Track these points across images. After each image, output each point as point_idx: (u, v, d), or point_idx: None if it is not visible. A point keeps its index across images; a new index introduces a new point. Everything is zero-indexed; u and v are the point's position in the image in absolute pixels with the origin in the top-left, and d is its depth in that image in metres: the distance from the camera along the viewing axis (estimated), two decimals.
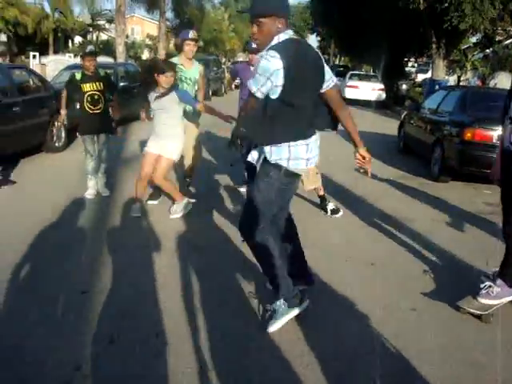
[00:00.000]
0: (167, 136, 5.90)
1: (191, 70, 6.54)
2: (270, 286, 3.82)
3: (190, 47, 6.45)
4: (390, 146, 12.49)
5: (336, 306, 4.06)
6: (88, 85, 6.68)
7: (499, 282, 3.91)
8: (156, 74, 5.69)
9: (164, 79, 5.67)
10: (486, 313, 3.87)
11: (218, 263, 4.81)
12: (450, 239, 5.75)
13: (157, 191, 6.60)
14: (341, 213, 6.44)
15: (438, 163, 8.81)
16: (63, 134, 10.26)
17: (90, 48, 7.03)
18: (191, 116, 6.53)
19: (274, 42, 3.35)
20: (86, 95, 6.69)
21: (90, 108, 6.71)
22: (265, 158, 3.49)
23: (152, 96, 5.85)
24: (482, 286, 3.97)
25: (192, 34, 6.49)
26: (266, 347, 3.42)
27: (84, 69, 6.71)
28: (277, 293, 3.63)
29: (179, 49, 6.82)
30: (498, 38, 23.69)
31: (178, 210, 6.09)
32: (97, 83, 6.73)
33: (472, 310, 3.92)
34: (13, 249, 4.92)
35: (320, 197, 6.54)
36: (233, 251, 5.08)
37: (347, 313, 3.94)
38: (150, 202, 6.58)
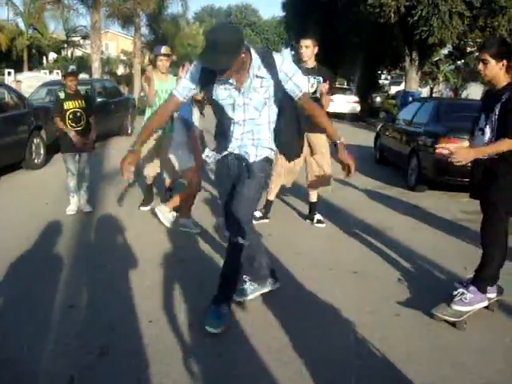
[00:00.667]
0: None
1: (167, 84, 6.63)
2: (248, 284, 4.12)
3: (162, 62, 6.71)
4: (367, 157, 12.67)
5: (322, 313, 4.14)
6: (70, 102, 6.74)
7: (472, 288, 4.01)
8: None
9: None
10: (460, 319, 3.94)
11: (202, 275, 4.86)
12: (429, 246, 5.88)
13: (149, 197, 7.11)
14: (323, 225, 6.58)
15: (415, 173, 8.99)
16: (42, 151, 10.27)
17: (71, 68, 7.12)
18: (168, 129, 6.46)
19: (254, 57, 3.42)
20: (68, 113, 6.73)
21: (71, 126, 6.74)
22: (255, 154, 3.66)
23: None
24: (455, 293, 4.06)
25: (164, 49, 6.76)
26: (254, 357, 3.48)
27: (66, 87, 6.77)
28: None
29: (153, 64, 6.98)
30: (469, 50, 24.16)
31: (168, 218, 6.04)
32: (78, 101, 6.80)
33: (446, 317, 3.99)
34: (0, 261, 4.94)
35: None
36: (218, 263, 5.14)
37: (333, 319, 4.02)
38: (141, 208, 7.05)
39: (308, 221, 6.68)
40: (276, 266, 5.05)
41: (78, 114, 6.78)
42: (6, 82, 23.65)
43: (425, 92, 28.21)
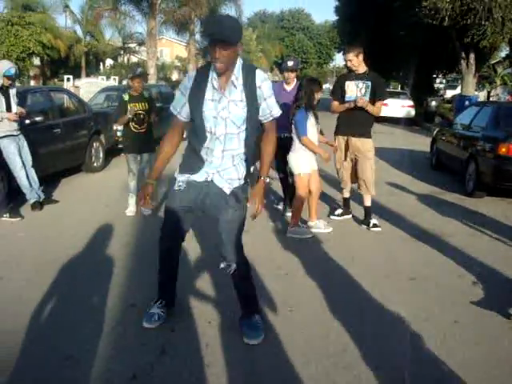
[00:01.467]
0: (292, 151, 6.17)
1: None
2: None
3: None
4: (423, 162, 12.49)
5: (378, 319, 4.11)
6: (134, 105, 6.93)
7: None
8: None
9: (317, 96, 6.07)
10: None
11: (261, 277, 4.90)
12: (488, 253, 5.76)
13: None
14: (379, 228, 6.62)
15: (473, 179, 8.81)
16: (101, 155, 10.54)
17: (139, 70, 7.31)
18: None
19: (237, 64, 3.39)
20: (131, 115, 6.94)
21: (135, 127, 6.97)
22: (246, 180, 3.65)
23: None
24: None
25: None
26: (313, 361, 3.49)
27: (132, 89, 7.01)
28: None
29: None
30: None
31: (298, 232, 6.15)
32: (142, 103, 7.00)
33: None
34: (61, 265, 5.12)
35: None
36: (270, 267, 5.19)
37: (389, 326, 3.99)
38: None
39: (364, 226, 6.64)
40: (331, 271, 5.07)
41: (142, 116, 6.98)
42: (67, 88, 24.41)
43: (481, 96, 27.57)
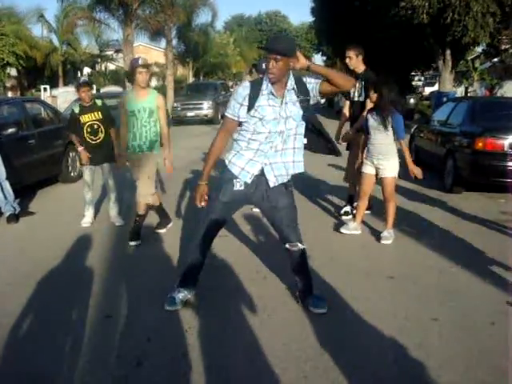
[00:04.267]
0: (386, 156, 6.04)
1: (145, 101, 6.00)
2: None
3: (142, 75, 5.90)
4: (401, 159, 12.49)
5: (358, 319, 4.08)
6: (86, 116, 6.72)
7: None
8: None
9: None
10: None
11: (238, 282, 4.86)
12: (468, 249, 5.76)
13: (163, 220, 6.59)
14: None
15: (451, 174, 8.83)
16: (78, 164, 10.41)
17: (83, 79, 7.17)
18: (149, 146, 6.07)
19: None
20: (85, 126, 6.73)
21: (90, 139, 6.76)
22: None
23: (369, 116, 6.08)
24: None
25: (142, 60, 6.03)
26: (291, 366, 3.45)
27: (81, 100, 6.79)
28: None
29: (131, 78, 6.16)
30: (503, 47, 23.72)
31: (389, 237, 6.05)
32: (94, 113, 6.75)
33: None
34: (34, 277, 5.03)
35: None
36: (249, 270, 5.14)
37: (369, 325, 3.96)
38: (157, 231, 6.52)
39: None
40: (312, 271, 5.03)
41: (96, 126, 6.75)
42: (43, 98, 24.21)
43: (459, 92, 27.75)
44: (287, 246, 4.17)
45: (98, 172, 6.97)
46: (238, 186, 3.99)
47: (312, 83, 3.93)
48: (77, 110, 6.78)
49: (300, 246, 4.17)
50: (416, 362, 3.44)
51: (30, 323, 4.13)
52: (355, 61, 6.70)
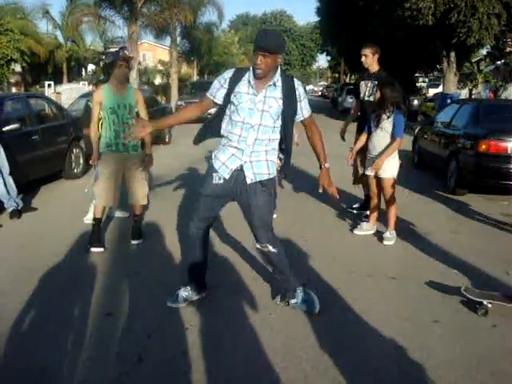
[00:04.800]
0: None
1: (126, 97, 5.74)
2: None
3: (122, 69, 5.59)
4: (404, 160, 12.49)
5: (359, 320, 4.08)
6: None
7: None
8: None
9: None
10: None
11: (240, 281, 4.86)
12: (470, 250, 5.75)
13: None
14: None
15: (454, 176, 8.82)
16: (81, 161, 10.44)
17: (103, 78, 7.16)
18: (134, 145, 5.82)
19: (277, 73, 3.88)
20: (100, 121, 6.74)
21: None
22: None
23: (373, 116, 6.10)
24: None
25: (123, 52, 5.73)
26: (292, 365, 3.45)
27: (90, 96, 6.88)
28: None
29: (107, 73, 5.81)
30: (508, 50, 23.66)
31: (391, 238, 6.05)
32: None
33: None
34: (36, 273, 5.04)
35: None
36: (252, 267, 5.15)
37: (371, 326, 3.96)
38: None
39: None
40: (312, 272, 5.03)
41: None
42: (47, 94, 24.26)
43: (463, 94, 27.70)
44: (257, 245, 4.15)
45: None
46: (217, 179, 3.98)
47: (301, 103, 3.95)
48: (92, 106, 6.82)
49: (270, 248, 4.06)
50: (416, 364, 3.44)
51: (31, 319, 4.13)
52: (371, 59, 6.72)
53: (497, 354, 3.59)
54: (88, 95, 16.32)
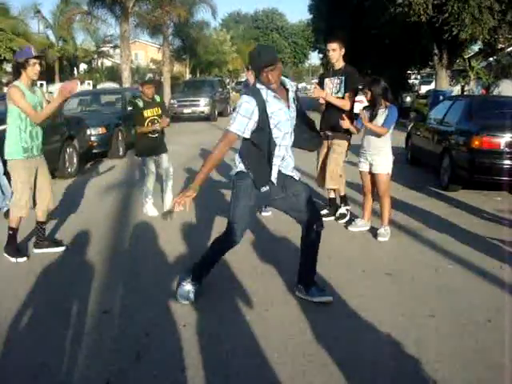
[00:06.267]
0: (380, 151, 6.05)
1: (38, 96, 5.47)
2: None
3: (35, 67, 5.30)
4: (398, 157, 12.50)
5: (355, 315, 4.11)
6: (149, 111, 6.99)
7: None
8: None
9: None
10: None
11: (236, 278, 4.88)
12: (464, 246, 5.78)
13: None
14: (347, 218, 6.72)
15: (447, 172, 8.86)
16: (75, 160, 10.43)
17: (149, 76, 7.34)
18: (42, 147, 5.61)
19: None
20: (147, 121, 6.97)
21: (149, 132, 6.99)
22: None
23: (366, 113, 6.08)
24: None
25: (35, 51, 5.42)
26: (289, 361, 3.47)
27: (144, 95, 7.01)
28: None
29: (18, 71, 5.33)
30: (499, 46, 23.74)
31: (385, 234, 6.07)
32: (155, 109, 7.05)
33: None
34: (34, 272, 5.06)
35: (341, 197, 6.96)
36: (246, 266, 5.16)
37: (365, 321, 3.99)
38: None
39: (340, 222, 6.68)
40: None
41: (156, 121, 7.01)
42: None
43: (456, 90, 27.77)
44: (315, 226, 4.29)
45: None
46: (264, 188, 4.07)
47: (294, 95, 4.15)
48: (141, 105, 6.99)
49: (323, 226, 4.37)
50: (413, 358, 3.46)
51: (29, 318, 4.14)
52: (338, 54, 6.40)
53: (492, 348, 3.61)
54: (80, 94, 16.34)
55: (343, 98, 6.37)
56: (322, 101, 6.42)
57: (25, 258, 5.50)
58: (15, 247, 5.60)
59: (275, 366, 3.37)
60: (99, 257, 5.56)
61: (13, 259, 5.45)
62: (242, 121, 3.87)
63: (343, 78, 6.39)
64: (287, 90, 4.06)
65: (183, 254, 5.58)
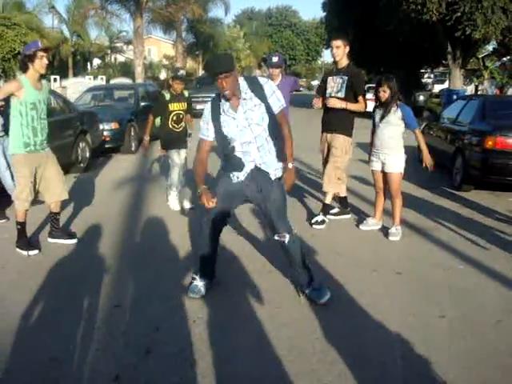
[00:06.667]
0: (393, 150, 6.04)
1: (43, 91, 5.46)
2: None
3: (43, 61, 5.26)
4: (409, 156, 12.46)
5: (364, 314, 4.10)
6: (175, 104, 7.07)
7: None
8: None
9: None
10: None
11: (244, 274, 4.89)
12: (475, 247, 5.76)
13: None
14: (323, 226, 6.46)
15: (460, 172, 8.82)
16: (88, 155, 10.48)
17: (181, 72, 7.39)
18: (47, 142, 5.68)
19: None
20: (172, 114, 7.05)
21: (173, 126, 7.09)
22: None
23: (377, 111, 6.11)
24: None
25: (43, 44, 5.43)
26: (299, 358, 3.48)
27: (172, 90, 7.08)
28: None
29: (26, 65, 5.28)
30: None
31: (397, 234, 6.06)
32: (182, 103, 7.14)
33: None
34: (45, 265, 5.10)
35: (340, 199, 6.94)
36: (256, 264, 5.17)
37: (375, 320, 3.99)
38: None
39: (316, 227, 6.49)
40: (318, 266, 5.05)
41: (181, 116, 7.14)
42: (52, 88, 24.25)
43: (469, 90, 27.62)
44: (276, 237, 4.26)
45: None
46: (236, 179, 4.20)
47: (271, 94, 4.10)
48: (167, 97, 7.07)
49: (287, 237, 4.21)
50: (422, 358, 3.45)
51: (40, 311, 4.17)
52: (343, 51, 6.26)
53: (501, 349, 3.60)
54: (93, 90, 16.42)
55: (343, 98, 6.24)
56: (318, 104, 6.52)
57: (36, 251, 5.54)
58: (26, 241, 5.64)
59: (284, 363, 3.38)
60: (111, 251, 5.59)
61: (25, 252, 5.49)
62: (203, 127, 4.20)
63: (346, 78, 6.26)
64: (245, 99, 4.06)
65: (195, 248, 5.59)
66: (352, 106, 6.29)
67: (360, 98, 6.34)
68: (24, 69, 5.33)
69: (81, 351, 3.55)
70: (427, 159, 6.07)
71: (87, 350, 3.56)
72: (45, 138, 5.56)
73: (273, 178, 4.19)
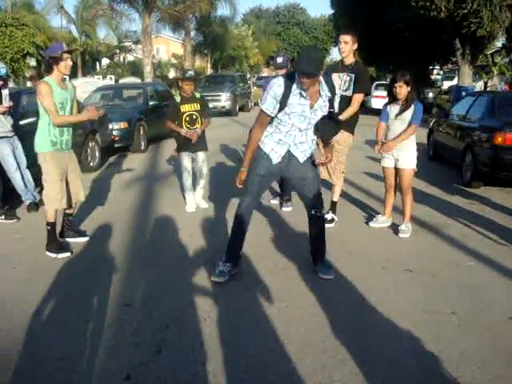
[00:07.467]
0: (406, 147, 6.03)
1: (68, 91, 5.50)
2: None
3: (68, 62, 5.32)
4: (419, 153, 12.42)
5: (375, 312, 4.10)
6: (186, 106, 7.02)
7: None
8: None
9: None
10: None
11: (256, 273, 4.90)
12: (485, 243, 5.74)
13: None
14: (332, 224, 6.40)
15: (470, 169, 8.78)
16: (97, 154, 10.52)
17: (190, 73, 7.29)
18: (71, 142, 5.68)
19: None
20: (184, 115, 7.00)
21: (187, 127, 7.01)
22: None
23: (391, 107, 6.09)
24: None
25: (67, 46, 5.52)
26: (309, 355, 3.48)
27: (182, 91, 7.07)
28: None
29: (50, 67, 5.34)
30: None
31: (407, 231, 6.05)
32: (194, 104, 7.06)
33: None
34: (56, 264, 5.15)
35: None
36: (266, 262, 5.18)
37: (385, 317, 3.98)
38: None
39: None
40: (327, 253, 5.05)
41: (194, 116, 7.05)
42: None
43: (478, 86, 27.48)
44: (313, 211, 4.69)
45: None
46: (275, 159, 4.52)
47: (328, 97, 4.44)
48: (178, 100, 7.09)
49: (324, 211, 4.77)
50: (433, 355, 3.45)
51: (50, 310, 4.20)
52: (350, 48, 6.06)
53: None
54: (102, 89, 16.49)
55: (351, 97, 6.10)
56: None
57: (68, 253, 5.48)
58: (58, 243, 5.61)
59: (295, 361, 3.38)
60: (120, 249, 5.61)
61: (54, 255, 5.43)
62: (271, 101, 4.32)
63: (353, 75, 6.09)
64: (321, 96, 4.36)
65: (205, 247, 5.61)
66: (349, 113, 6.10)
67: (355, 97, 6.11)
68: (48, 70, 5.38)
69: (92, 350, 3.57)
70: (389, 145, 5.98)
71: (98, 348, 3.58)
72: (70, 137, 5.60)
73: (302, 159, 4.56)
